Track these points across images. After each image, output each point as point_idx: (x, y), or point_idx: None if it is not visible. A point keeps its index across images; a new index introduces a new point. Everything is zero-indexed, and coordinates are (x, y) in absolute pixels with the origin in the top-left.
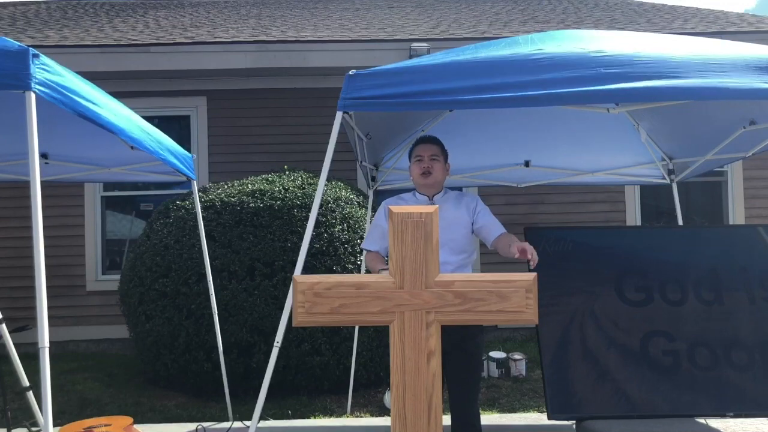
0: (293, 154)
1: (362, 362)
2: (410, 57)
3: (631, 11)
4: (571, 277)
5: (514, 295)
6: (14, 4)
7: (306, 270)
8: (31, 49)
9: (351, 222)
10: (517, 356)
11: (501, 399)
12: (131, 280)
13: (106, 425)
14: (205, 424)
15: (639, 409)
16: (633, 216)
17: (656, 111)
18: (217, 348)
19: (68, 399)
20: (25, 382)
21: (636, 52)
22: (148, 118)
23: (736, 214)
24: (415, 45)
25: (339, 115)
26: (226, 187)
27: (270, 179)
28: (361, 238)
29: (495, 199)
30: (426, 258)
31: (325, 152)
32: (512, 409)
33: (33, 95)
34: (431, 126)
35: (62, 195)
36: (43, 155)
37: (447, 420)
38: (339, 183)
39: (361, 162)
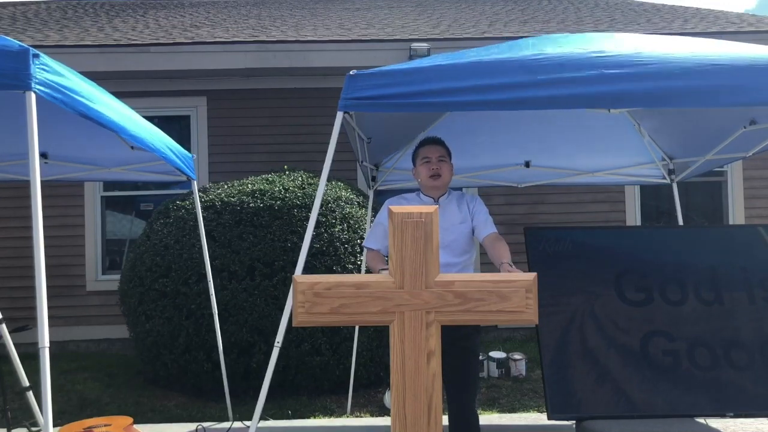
0: (293, 154)
1: (362, 362)
2: (410, 57)
3: (631, 11)
4: (571, 277)
5: (514, 295)
6: (14, 4)
7: (306, 270)
8: (31, 49)
9: (351, 222)
10: (517, 356)
11: (501, 399)
12: (131, 280)
13: (106, 425)
14: (205, 424)
15: (639, 409)
16: (633, 216)
17: (657, 111)
18: (217, 348)
19: (68, 399)
20: (25, 382)
21: (638, 53)
22: (148, 118)
23: (736, 214)
24: (415, 45)
25: (339, 115)
26: (226, 187)
27: (270, 179)
28: (362, 238)
29: (495, 199)
30: (426, 258)
31: (325, 152)
32: (512, 409)
33: (33, 95)
34: (432, 126)
35: (62, 195)
36: (43, 155)
37: (445, 420)
38: (339, 183)
39: (361, 162)
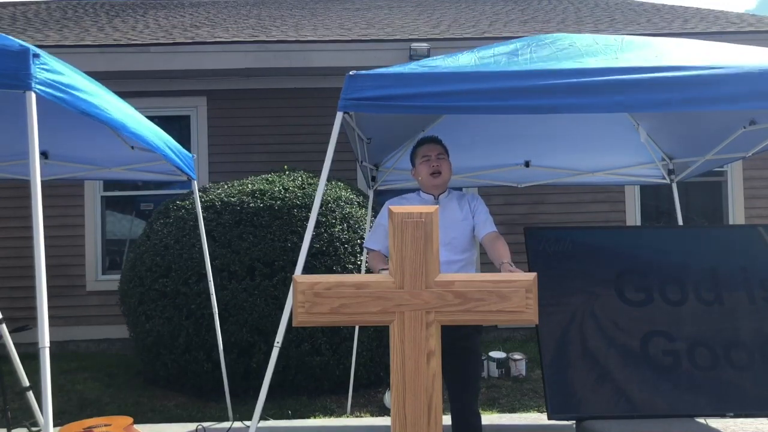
0: (293, 154)
1: (362, 362)
2: (410, 57)
3: (631, 11)
4: (571, 277)
5: (514, 295)
6: (14, 4)
7: (306, 270)
8: (31, 48)
9: (351, 222)
10: (517, 356)
11: (501, 399)
12: (131, 280)
13: (106, 425)
14: (205, 424)
15: (639, 409)
16: (633, 216)
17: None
18: (217, 348)
19: (68, 399)
20: (25, 382)
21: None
22: (148, 119)
23: (736, 214)
24: (415, 45)
25: (339, 115)
26: (226, 187)
27: (270, 179)
28: (362, 238)
29: (495, 199)
30: (426, 258)
31: (325, 152)
32: (512, 409)
33: (34, 95)
34: (432, 126)
35: (62, 195)
36: (43, 153)
37: (447, 420)
38: (339, 183)
39: (361, 162)
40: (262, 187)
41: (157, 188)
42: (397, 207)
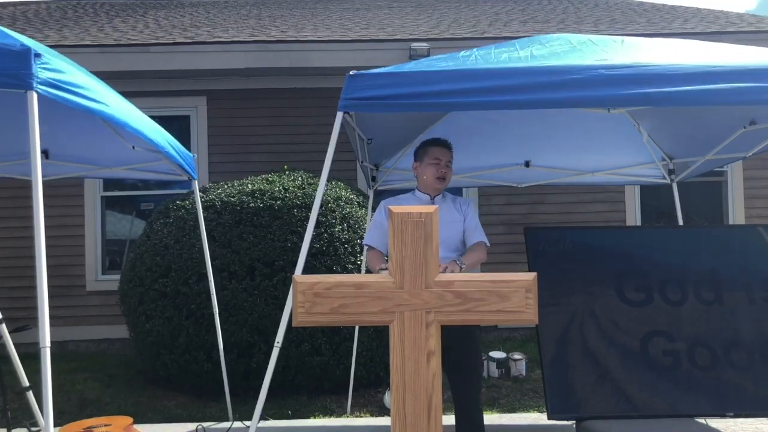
0: (293, 154)
1: (362, 362)
2: (410, 57)
3: (631, 11)
4: (571, 277)
5: (514, 295)
6: (14, 4)
7: (306, 270)
8: (33, 48)
9: (351, 222)
10: (517, 356)
11: (501, 399)
12: (131, 280)
13: (106, 425)
14: (205, 424)
15: (639, 409)
16: (633, 216)
17: (657, 111)
18: (217, 348)
19: (68, 399)
20: (25, 382)
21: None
22: None
23: (736, 214)
24: (415, 45)
25: (339, 115)
26: (226, 187)
27: (270, 179)
28: (361, 238)
29: (495, 199)
30: (426, 258)
31: (325, 152)
32: (512, 409)
33: (35, 95)
34: (432, 127)
35: (62, 195)
36: (44, 152)
37: (446, 420)
38: (339, 183)
39: (361, 162)
40: (262, 187)
41: (157, 188)
42: (397, 207)
